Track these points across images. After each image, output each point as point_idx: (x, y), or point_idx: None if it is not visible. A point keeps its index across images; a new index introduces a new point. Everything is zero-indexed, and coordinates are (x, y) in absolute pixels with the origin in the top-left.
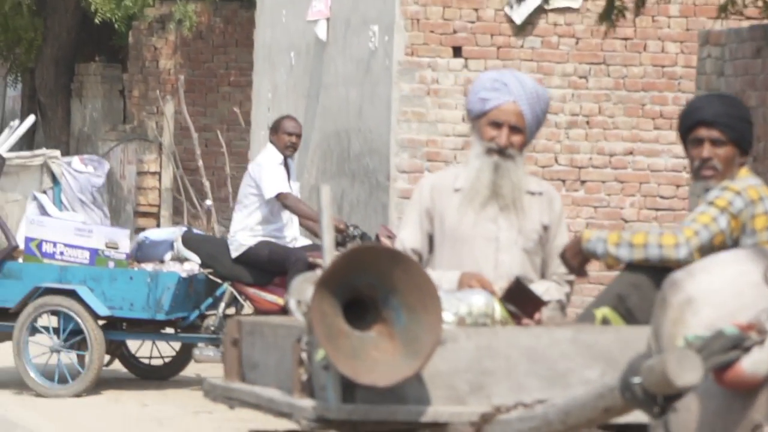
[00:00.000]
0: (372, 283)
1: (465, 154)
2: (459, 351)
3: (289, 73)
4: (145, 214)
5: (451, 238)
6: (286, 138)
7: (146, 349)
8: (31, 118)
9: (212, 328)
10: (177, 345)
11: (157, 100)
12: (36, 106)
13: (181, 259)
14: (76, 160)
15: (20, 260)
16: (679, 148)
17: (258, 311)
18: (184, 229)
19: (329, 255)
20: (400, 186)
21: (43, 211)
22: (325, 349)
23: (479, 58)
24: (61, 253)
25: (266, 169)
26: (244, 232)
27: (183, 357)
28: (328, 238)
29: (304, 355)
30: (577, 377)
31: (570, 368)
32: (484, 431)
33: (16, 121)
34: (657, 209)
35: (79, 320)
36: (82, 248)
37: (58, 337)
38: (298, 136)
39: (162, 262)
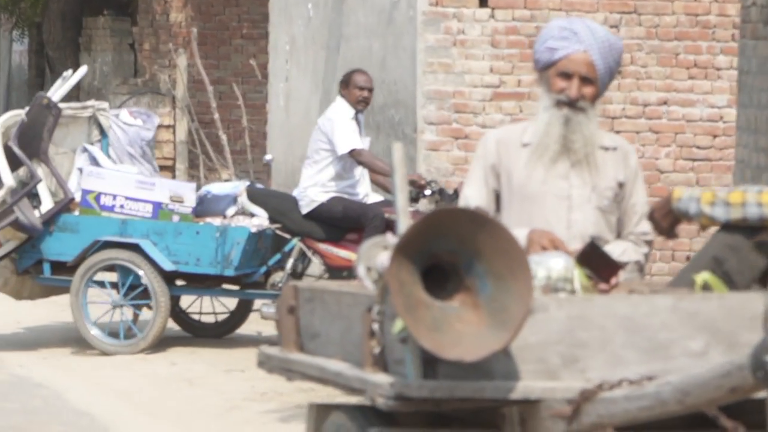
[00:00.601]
0: (454, 249)
1: (493, 105)
2: (549, 321)
3: (307, 25)
4: (160, 168)
5: (519, 195)
6: (358, 92)
7: (196, 307)
8: (83, 68)
9: (279, 285)
10: (230, 303)
11: (168, 53)
12: (44, 60)
13: (246, 214)
14: (124, 113)
15: (76, 213)
16: (714, 98)
17: (330, 268)
18: (247, 183)
19: (404, 218)
20: (427, 138)
21: (94, 164)
22: (404, 321)
23: (506, 8)
24: (121, 206)
25: (338, 124)
26: (315, 188)
27: (239, 315)
28: (401, 199)
29: (375, 327)
30: (679, 349)
31: (671, 339)
32: (584, 410)
33: (69, 71)
34: (693, 160)
35: (143, 275)
36: (145, 201)
37: (118, 292)
38: (370, 90)
39: (224, 216)
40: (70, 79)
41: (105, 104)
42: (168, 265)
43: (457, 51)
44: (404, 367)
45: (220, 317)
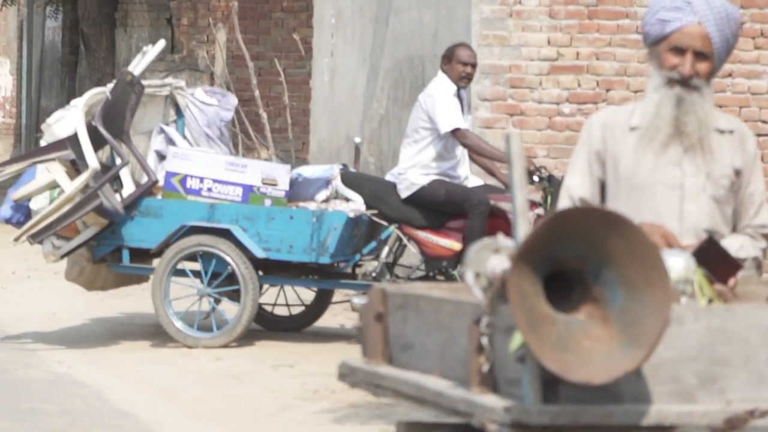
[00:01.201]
0: (580, 254)
1: (551, 80)
2: (685, 335)
3: None
4: None
5: (627, 185)
6: (461, 68)
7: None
8: (161, 43)
9: (373, 275)
10: (304, 293)
11: (207, 28)
12: (78, 37)
13: (339, 199)
14: (199, 91)
15: (159, 197)
16: None
17: (428, 257)
18: (340, 166)
19: (522, 219)
20: (482, 115)
21: (171, 145)
22: (525, 339)
23: None
24: (209, 190)
25: (440, 102)
26: (416, 170)
27: (318, 307)
28: (520, 198)
29: (485, 341)
30: None
31: None
32: None
33: (149, 46)
34: (759, 135)
35: (232, 263)
36: (235, 184)
37: (201, 281)
38: (473, 66)
39: (313, 201)
40: (148, 54)
41: (182, 82)
42: (259, 252)
43: (513, 22)
44: (520, 389)
45: (295, 309)
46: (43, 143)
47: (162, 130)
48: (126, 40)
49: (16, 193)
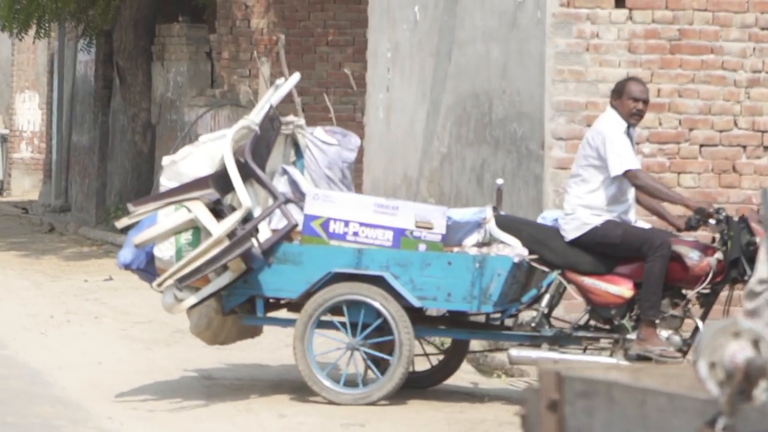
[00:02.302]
0: None
1: None
2: None
3: (413, 29)
4: None
5: None
6: (632, 104)
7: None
8: (296, 76)
9: (532, 326)
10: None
11: (249, 62)
12: (111, 71)
13: (490, 243)
14: (319, 131)
15: (296, 242)
16: None
17: (595, 305)
18: (490, 208)
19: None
20: (556, 155)
21: (295, 188)
22: None
23: (645, 9)
24: (355, 234)
25: (610, 140)
26: (586, 211)
27: (453, 360)
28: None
29: None
30: None
31: None
32: None
33: (282, 79)
34: None
35: (386, 312)
36: (384, 228)
37: (348, 333)
38: (645, 102)
39: (460, 245)
40: (282, 87)
41: (302, 121)
42: (415, 301)
43: (590, 57)
44: None
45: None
46: (164, 181)
47: (285, 171)
48: (163, 74)
49: (139, 237)
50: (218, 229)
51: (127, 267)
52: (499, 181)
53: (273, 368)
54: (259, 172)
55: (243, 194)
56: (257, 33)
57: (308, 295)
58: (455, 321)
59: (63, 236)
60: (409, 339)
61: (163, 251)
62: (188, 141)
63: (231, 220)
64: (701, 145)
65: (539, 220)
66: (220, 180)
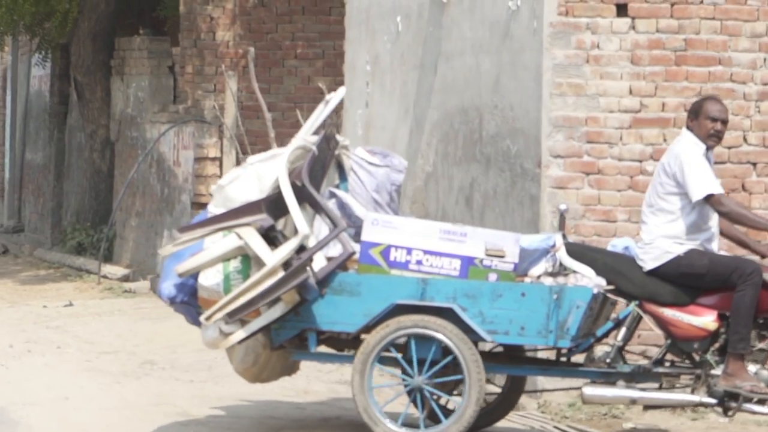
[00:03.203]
0: None
1: (632, 134)
2: None
3: (395, 41)
4: (204, 206)
5: None
6: (710, 124)
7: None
8: (342, 90)
9: (607, 361)
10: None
11: (214, 76)
12: (67, 86)
13: (558, 273)
14: (361, 151)
15: (351, 271)
16: None
17: (676, 338)
18: (560, 234)
19: None
20: (554, 173)
21: (345, 212)
22: None
23: (649, 18)
24: (419, 263)
25: (689, 164)
26: (667, 240)
27: (508, 400)
28: None
29: None
30: None
31: None
32: None
33: (331, 94)
34: None
35: (455, 348)
36: (451, 256)
37: (414, 370)
38: (725, 122)
39: (524, 275)
40: (331, 102)
41: (347, 141)
42: (486, 336)
43: (590, 69)
44: None
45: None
46: (212, 208)
47: (333, 194)
48: (123, 89)
49: (182, 266)
50: (272, 258)
51: (171, 301)
52: (563, 207)
53: (254, 404)
54: (317, 196)
55: (300, 220)
56: (223, 46)
57: (367, 328)
58: (514, 357)
59: (18, 258)
60: (481, 377)
61: (209, 278)
62: (151, 159)
63: (286, 249)
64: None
65: (609, 248)
66: (273, 205)
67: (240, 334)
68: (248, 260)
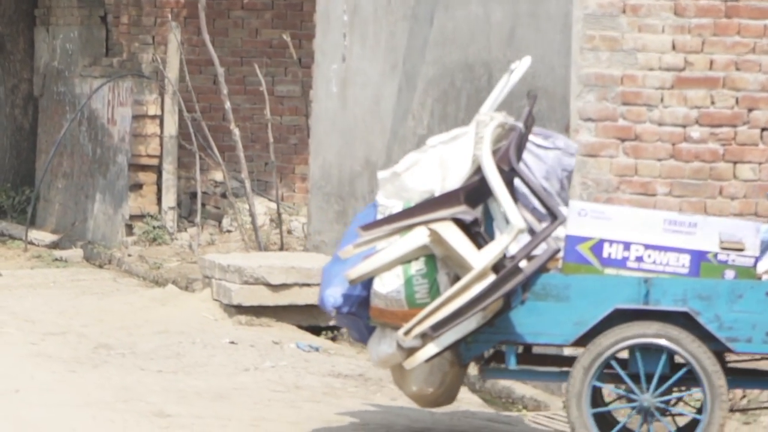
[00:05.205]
0: None
1: (676, 96)
2: None
3: None
4: (143, 167)
5: None
6: None
7: None
8: (527, 60)
9: None
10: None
11: (153, 27)
12: None
13: None
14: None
15: (554, 271)
16: None
17: None
18: None
19: None
20: (584, 139)
21: (526, 201)
22: None
23: None
24: (638, 259)
25: None
26: None
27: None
28: None
29: None
30: None
31: None
32: None
33: (516, 63)
34: None
35: (691, 359)
36: (678, 250)
37: (640, 387)
38: None
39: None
40: (516, 71)
41: (511, 119)
42: (728, 344)
43: (627, 20)
44: None
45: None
46: (383, 200)
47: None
48: (48, 40)
49: (354, 270)
50: (480, 258)
51: (338, 310)
52: None
53: (236, 401)
54: (533, 182)
55: (514, 213)
56: None
57: (583, 339)
58: (747, 370)
59: None
60: (724, 392)
61: (386, 284)
62: (81, 116)
63: (497, 247)
64: (763, 129)
65: None
66: (473, 195)
67: (431, 349)
68: (432, 261)
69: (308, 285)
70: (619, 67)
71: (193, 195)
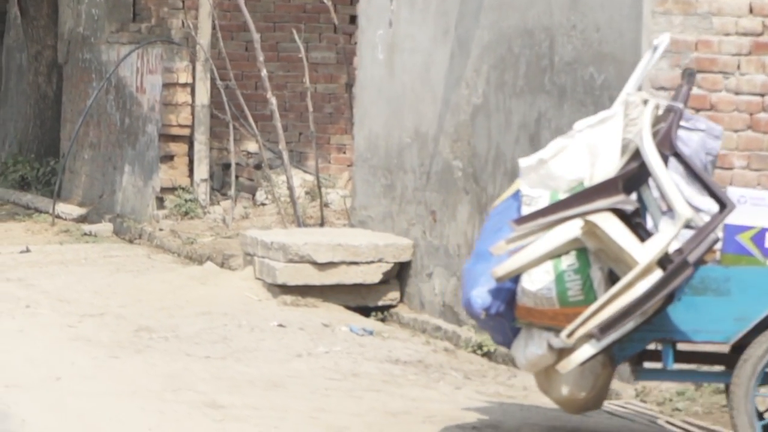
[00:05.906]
0: None
1: (754, 62)
2: None
3: None
4: (174, 138)
5: None
6: None
7: None
8: (667, 36)
9: None
10: None
11: None
12: (3, 2)
13: None
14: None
15: (713, 263)
16: None
17: None
18: None
19: None
20: None
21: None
22: None
23: None
24: None
25: None
26: None
27: None
28: None
29: None
30: None
31: None
32: None
33: (659, 38)
34: None
35: None
36: None
37: None
38: None
39: None
40: (660, 47)
41: (648, 96)
42: None
43: None
44: None
45: None
46: (527, 190)
47: None
48: (73, 5)
49: (502, 267)
50: (645, 252)
51: (486, 312)
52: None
53: (291, 390)
54: (698, 168)
55: (680, 201)
56: None
57: (746, 338)
58: None
59: None
60: None
61: (536, 281)
62: (108, 84)
63: (663, 240)
64: None
65: None
66: (629, 183)
67: (587, 350)
68: (584, 256)
69: (356, 263)
70: (693, 32)
71: (226, 166)
